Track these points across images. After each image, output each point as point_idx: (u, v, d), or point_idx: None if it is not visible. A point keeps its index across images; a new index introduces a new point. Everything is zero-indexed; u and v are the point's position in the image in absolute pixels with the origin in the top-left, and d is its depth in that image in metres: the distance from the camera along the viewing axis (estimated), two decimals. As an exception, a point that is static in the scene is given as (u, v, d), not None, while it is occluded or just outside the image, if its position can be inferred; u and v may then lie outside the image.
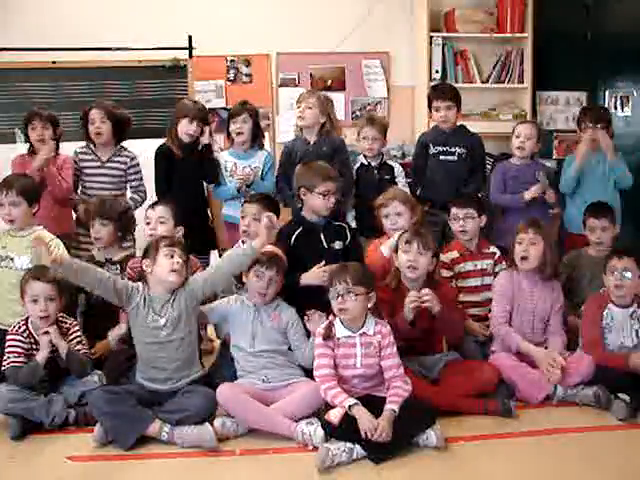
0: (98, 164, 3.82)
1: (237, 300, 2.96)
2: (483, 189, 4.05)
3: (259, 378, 2.81)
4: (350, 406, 2.52)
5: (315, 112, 3.78)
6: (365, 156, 3.93)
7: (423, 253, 2.93)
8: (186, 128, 3.74)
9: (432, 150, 4.02)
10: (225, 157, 3.85)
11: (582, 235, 3.62)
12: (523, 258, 3.14)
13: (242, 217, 3.37)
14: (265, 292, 2.87)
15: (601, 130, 3.86)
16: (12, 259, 3.14)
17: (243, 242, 3.34)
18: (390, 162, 4.03)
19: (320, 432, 2.54)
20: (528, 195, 3.77)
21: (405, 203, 3.34)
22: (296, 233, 3.23)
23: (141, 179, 3.91)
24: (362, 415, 2.49)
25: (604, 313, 3.07)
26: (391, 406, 2.55)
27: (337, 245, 3.25)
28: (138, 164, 3.91)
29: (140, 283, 2.85)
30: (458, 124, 4.07)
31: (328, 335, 2.68)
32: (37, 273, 2.84)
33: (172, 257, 2.77)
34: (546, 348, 3.08)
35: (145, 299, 2.79)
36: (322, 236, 3.24)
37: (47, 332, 2.79)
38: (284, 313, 2.92)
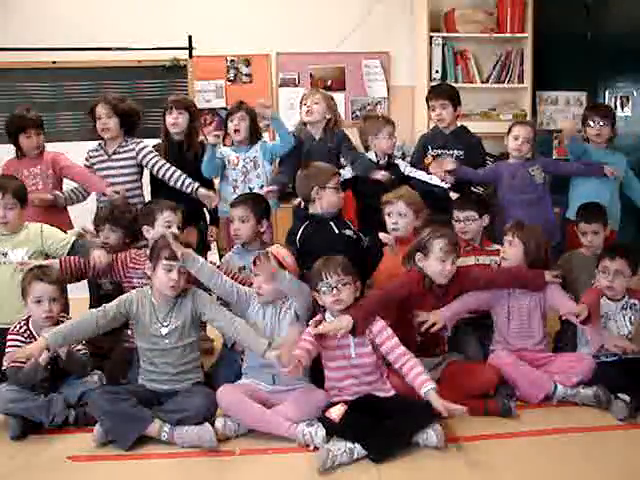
0: (105, 158, 3.79)
1: (253, 297, 2.92)
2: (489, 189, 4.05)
3: (267, 378, 2.81)
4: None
5: (322, 107, 3.83)
6: (376, 154, 3.89)
7: (455, 262, 2.96)
8: (167, 119, 3.78)
9: (430, 153, 4.00)
10: (227, 150, 3.85)
11: None
12: (503, 258, 3.21)
13: (230, 221, 3.37)
14: (260, 291, 2.85)
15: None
16: (5, 254, 3.13)
17: (243, 245, 3.34)
18: (395, 161, 4.02)
19: (321, 432, 2.53)
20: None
21: (410, 205, 3.33)
22: (302, 228, 3.24)
23: (158, 157, 3.73)
24: (336, 321, 2.61)
25: (601, 301, 3.08)
26: (429, 385, 2.58)
27: (348, 232, 3.27)
28: (147, 146, 3.78)
29: (143, 288, 2.86)
30: (459, 124, 4.07)
31: (318, 323, 2.69)
32: (40, 274, 2.84)
33: (170, 271, 2.75)
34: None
35: (149, 305, 2.79)
36: (332, 224, 3.26)
37: None
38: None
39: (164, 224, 3.19)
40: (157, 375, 2.77)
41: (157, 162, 3.72)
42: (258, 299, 2.88)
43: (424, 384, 2.60)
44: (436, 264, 2.93)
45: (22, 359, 2.63)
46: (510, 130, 3.89)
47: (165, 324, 2.78)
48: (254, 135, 3.85)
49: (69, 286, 3.17)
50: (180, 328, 2.78)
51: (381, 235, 3.27)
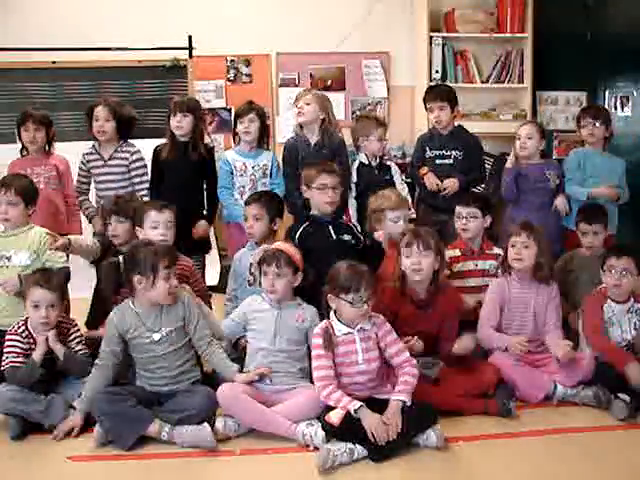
0: (101, 162, 3.82)
1: (258, 299, 2.91)
2: (490, 187, 4.04)
3: (266, 380, 2.80)
4: (356, 410, 2.50)
5: (314, 108, 3.78)
6: (367, 155, 3.89)
7: (425, 254, 2.91)
8: (172, 122, 3.77)
9: (428, 154, 3.99)
10: (233, 156, 3.84)
11: None
12: (516, 260, 3.12)
13: (244, 219, 3.38)
14: (273, 289, 2.83)
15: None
16: (9, 258, 3.12)
17: (257, 244, 3.33)
18: (387, 162, 4.02)
19: (321, 433, 2.53)
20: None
21: (408, 209, 3.39)
22: (301, 228, 3.24)
23: (144, 174, 3.85)
24: (369, 418, 2.49)
25: (604, 307, 3.07)
26: (399, 396, 2.57)
27: (346, 237, 3.26)
28: (141, 159, 3.85)
29: (123, 304, 2.81)
30: (456, 124, 4.06)
31: (329, 341, 2.65)
32: (40, 279, 2.81)
33: (169, 280, 2.72)
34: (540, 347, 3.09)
35: (133, 317, 2.76)
36: (330, 228, 3.24)
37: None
38: (308, 313, 2.87)
39: (151, 225, 3.16)
40: (155, 380, 2.77)
41: (139, 177, 3.82)
42: (270, 296, 2.85)
43: (397, 394, 2.59)
44: (404, 261, 2.93)
45: (64, 432, 2.65)
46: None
47: (156, 329, 2.75)
48: (264, 137, 3.86)
49: (69, 286, 3.16)
50: (173, 333, 2.77)
51: (376, 234, 3.30)
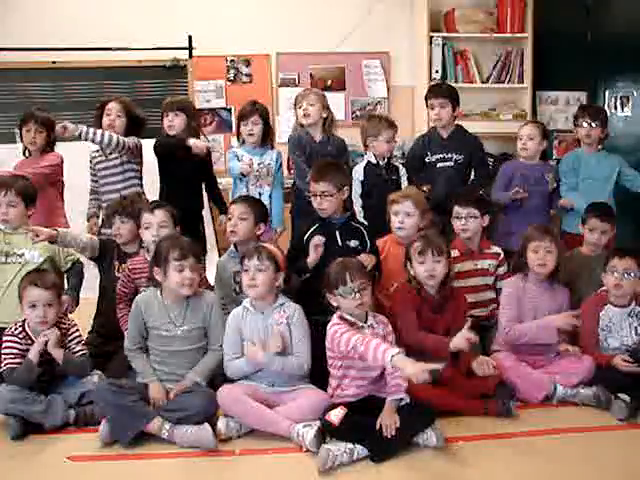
0: (103, 158, 3.84)
1: (244, 311, 2.85)
2: (488, 189, 4.04)
3: (266, 382, 2.79)
4: (393, 356, 2.39)
5: (318, 108, 3.81)
6: (375, 155, 3.88)
7: (438, 259, 2.92)
8: (164, 122, 3.76)
9: (429, 159, 3.97)
10: (239, 152, 3.86)
11: (580, 235, 3.57)
12: (540, 265, 3.10)
13: (229, 218, 3.36)
14: (253, 283, 2.77)
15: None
16: (21, 255, 3.13)
17: (237, 249, 3.29)
18: (395, 163, 4.01)
19: (310, 436, 2.49)
20: (513, 195, 3.76)
21: (417, 205, 3.34)
22: (312, 229, 3.24)
23: (138, 171, 3.86)
24: (406, 364, 2.38)
25: (601, 314, 3.07)
26: (396, 395, 2.59)
27: (352, 244, 3.25)
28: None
29: (149, 290, 2.86)
30: (456, 124, 4.04)
31: (350, 324, 2.64)
32: (35, 279, 2.81)
33: (182, 271, 2.74)
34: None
35: (159, 307, 2.80)
36: (337, 234, 3.24)
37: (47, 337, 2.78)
38: (289, 309, 2.84)
39: (144, 225, 3.17)
40: (163, 374, 2.79)
41: (133, 173, 3.83)
42: (250, 293, 2.81)
43: (392, 394, 2.60)
44: (418, 267, 2.94)
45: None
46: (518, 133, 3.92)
47: (178, 324, 2.79)
48: (268, 136, 3.88)
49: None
50: (193, 332, 2.80)
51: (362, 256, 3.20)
